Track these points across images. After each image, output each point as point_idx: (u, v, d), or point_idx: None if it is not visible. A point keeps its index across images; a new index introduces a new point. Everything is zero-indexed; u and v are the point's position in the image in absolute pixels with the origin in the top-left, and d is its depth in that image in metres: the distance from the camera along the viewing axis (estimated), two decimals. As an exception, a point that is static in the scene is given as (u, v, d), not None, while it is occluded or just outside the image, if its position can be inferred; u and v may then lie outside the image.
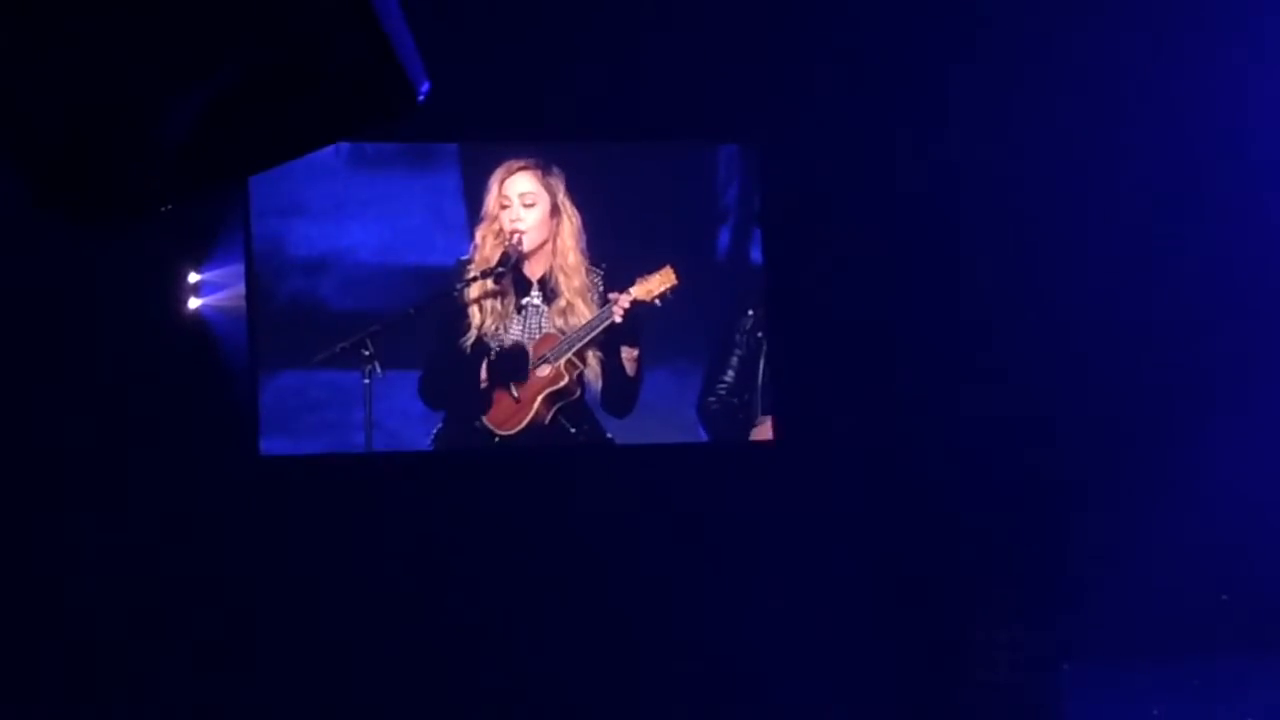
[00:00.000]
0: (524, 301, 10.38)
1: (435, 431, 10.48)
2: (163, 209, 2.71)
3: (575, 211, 10.35)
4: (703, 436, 10.96)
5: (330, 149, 10.01)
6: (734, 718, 10.60)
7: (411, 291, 10.28)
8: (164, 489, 10.09)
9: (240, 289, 10.40)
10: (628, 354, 10.36)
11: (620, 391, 10.46)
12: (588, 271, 10.50)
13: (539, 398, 10.40)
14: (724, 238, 11.17)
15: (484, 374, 10.33)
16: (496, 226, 10.40)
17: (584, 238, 10.32)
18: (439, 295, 10.24)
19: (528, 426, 10.28)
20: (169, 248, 10.02)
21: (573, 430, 10.27)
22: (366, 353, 9.96)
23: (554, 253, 10.45)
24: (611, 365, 10.37)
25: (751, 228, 11.17)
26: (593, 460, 10.90)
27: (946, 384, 10.97)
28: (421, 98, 2.40)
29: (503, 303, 10.39)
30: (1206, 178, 11.18)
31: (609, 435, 10.36)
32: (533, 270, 10.49)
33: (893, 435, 10.95)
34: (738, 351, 10.85)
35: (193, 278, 10.36)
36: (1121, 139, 11.18)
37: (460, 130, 10.53)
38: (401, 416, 10.32)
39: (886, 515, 10.85)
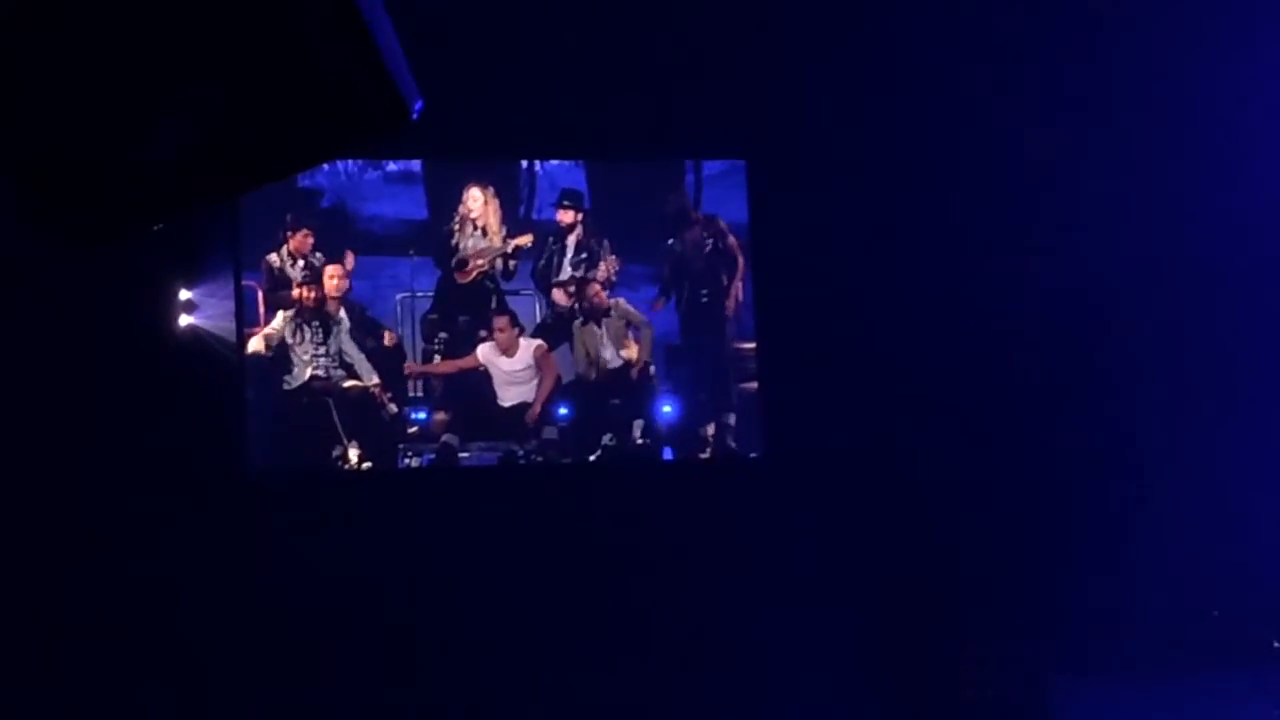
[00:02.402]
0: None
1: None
2: (155, 228, 2.70)
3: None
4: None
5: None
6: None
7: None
8: (153, 501, 10.07)
9: (230, 306, 10.41)
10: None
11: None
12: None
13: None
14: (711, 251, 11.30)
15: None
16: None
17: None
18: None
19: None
20: (160, 265, 10.02)
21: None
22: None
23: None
24: None
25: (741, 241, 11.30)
26: (587, 477, 10.95)
27: (939, 398, 10.97)
28: (415, 115, 2.40)
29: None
30: (1201, 185, 11.20)
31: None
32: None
33: (885, 450, 10.94)
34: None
35: (183, 294, 10.36)
36: (1118, 147, 11.18)
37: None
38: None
39: (879, 532, 10.84)
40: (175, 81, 2.43)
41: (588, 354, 11.08)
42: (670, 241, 11.29)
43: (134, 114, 2.45)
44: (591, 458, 11.05)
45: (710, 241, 11.29)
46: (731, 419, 11.27)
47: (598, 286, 11.06)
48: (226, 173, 2.59)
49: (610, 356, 11.10)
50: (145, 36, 2.39)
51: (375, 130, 2.42)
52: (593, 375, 11.07)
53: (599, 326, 11.09)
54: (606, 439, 11.06)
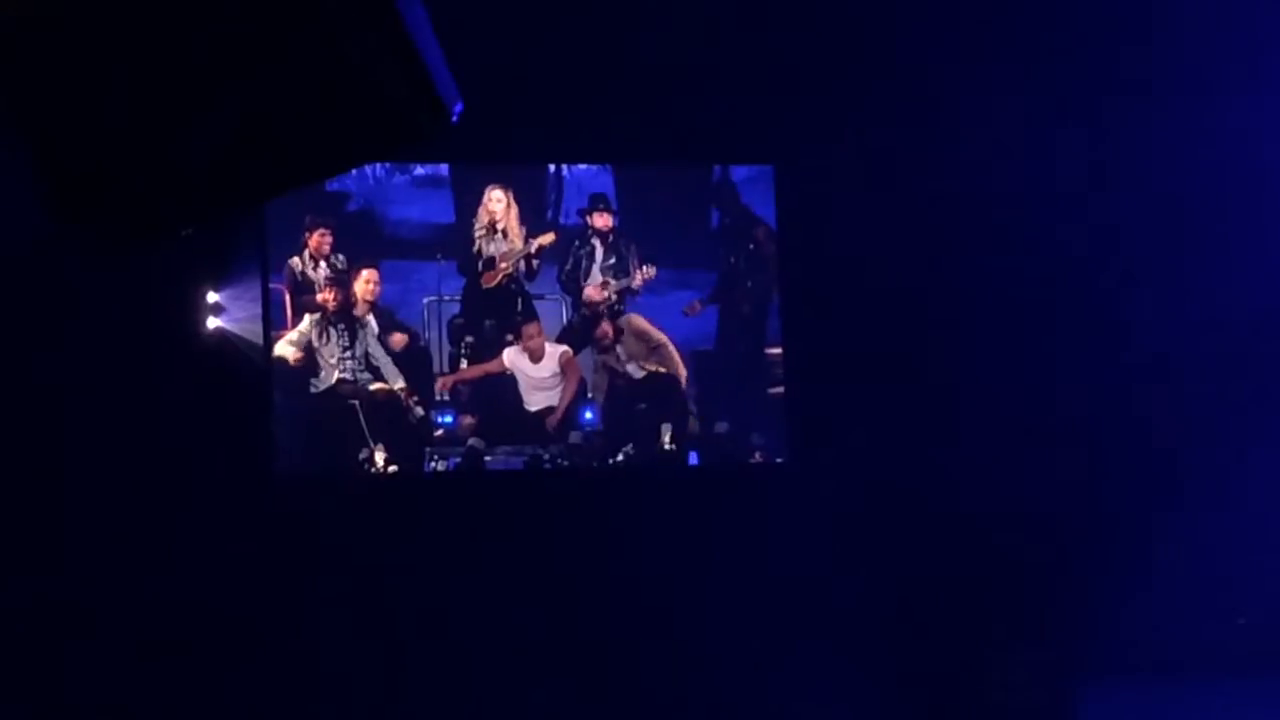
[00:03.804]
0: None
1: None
2: (184, 233, 2.69)
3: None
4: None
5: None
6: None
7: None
8: (180, 503, 10.09)
9: (257, 309, 10.43)
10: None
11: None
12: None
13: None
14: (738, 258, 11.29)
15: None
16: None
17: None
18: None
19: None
20: (188, 268, 10.04)
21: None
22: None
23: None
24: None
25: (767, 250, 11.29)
26: (613, 482, 10.95)
27: (966, 403, 10.96)
28: (455, 119, 2.39)
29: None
30: (1243, 194, 11.19)
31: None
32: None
33: (911, 455, 10.94)
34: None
35: (211, 297, 10.38)
36: (1148, 152, 11.16)
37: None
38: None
39: (905, 536, 10.83)
40: (211, 86, 2.43)
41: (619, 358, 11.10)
42: (705, 245, 11.28)
43: (169, 118, 2.45)
44: (617, 461, 11.05)
45: (746, 245, 11.28)
46: (758, 424, 11.25)
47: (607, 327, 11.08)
48: (261, 176, 2.58)
49: (633, 370, 11.10)
50: (182, 42, 2.39)
51: (415, 134, 2.41)
52: (619, 380, 11.07)
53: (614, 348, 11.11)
54: (632, 445, 11.05)
